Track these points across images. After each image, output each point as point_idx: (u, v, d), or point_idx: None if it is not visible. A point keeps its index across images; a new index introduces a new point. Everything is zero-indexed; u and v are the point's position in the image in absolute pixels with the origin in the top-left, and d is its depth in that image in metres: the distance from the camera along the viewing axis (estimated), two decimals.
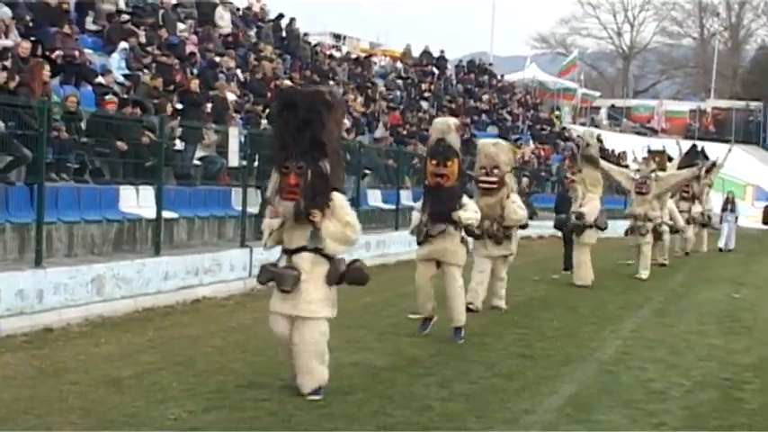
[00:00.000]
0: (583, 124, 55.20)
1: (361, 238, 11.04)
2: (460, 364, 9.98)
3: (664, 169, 22.83)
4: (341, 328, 11.81)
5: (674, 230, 23.65)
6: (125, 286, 12.48)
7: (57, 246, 13.29)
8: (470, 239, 12.94)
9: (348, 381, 8.92)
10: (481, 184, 13.70)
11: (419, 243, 11.70)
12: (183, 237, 16.08)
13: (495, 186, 13.57)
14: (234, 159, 17.18)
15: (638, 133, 53.37)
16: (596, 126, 55.45)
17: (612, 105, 63.09)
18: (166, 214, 14.91)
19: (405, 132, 30.13)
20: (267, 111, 20.83)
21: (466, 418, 7.81)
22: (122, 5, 22.27)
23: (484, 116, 41.96)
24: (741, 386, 9.59)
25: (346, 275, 8.48)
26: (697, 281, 20.34)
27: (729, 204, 31.81)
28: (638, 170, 20.98)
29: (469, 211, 11.46)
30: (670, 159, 25.81)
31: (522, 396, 8.70)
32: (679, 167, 25.00)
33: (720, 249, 29.99)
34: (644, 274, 19.94)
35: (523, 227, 14.73)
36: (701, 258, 26.56)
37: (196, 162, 17.80)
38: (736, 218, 32.03)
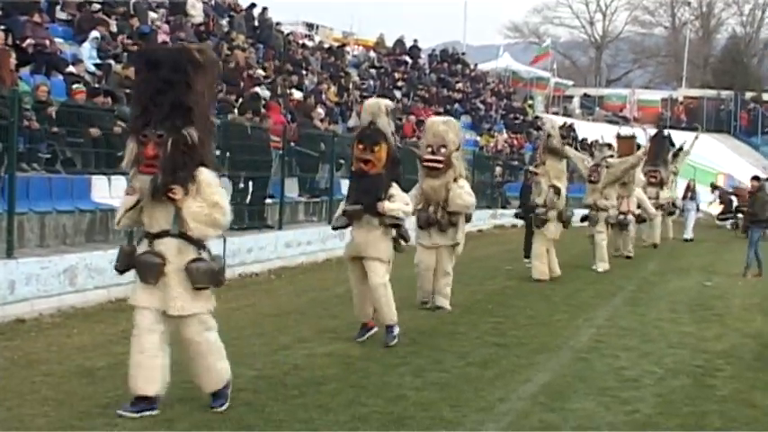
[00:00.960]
0: (555, 113, 55.38)
1: None
2: (434, 354, 9.99)
3: (632, 153, 22.24)
4: (314, 317, 11.91)
5: (641, 219, 22.99)
6: (98, 277, 12.40)
7: (28, 236, 13.20)
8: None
9: (322, 371, 8.93)
10: (426, 164, 12.69)
11: (334, 228, 11.04)
12: None
13: (440, 167, 12.54)
14: None
15: (611, 122, 53.49)
16: (569, 115, 55.68)
17: (585, 94, 63.28)
18: None
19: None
20: (240, 100, 20.83)
21: (440, 407, 7.82)
22: None
23: (457, 105, 42.03)
24: (713, 373, 9.65)
25: (191, 275, 7.31)
26: (669, 269, 20.42)
27: (690, 192, 30.95)
28: (592, 157, 20.42)
29: (398, 202, 10.32)
30: (639, 147, 25.54)
31: (496, 384, 8.72)
32: (648, 154, 24.69)
33: (686, 240, 29.19)
34: (600, 266, 19.21)
35: (467, 218, 13.36)
36: (671, 247, 26.60)
37: None
38: (697, 206, 31.23)
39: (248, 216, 17.79)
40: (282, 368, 8.96)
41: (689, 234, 29.66)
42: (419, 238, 13.09)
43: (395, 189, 10.38)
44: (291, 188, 20.30)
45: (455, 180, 12.72)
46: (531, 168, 18.31)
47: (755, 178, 20.82)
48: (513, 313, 13.07)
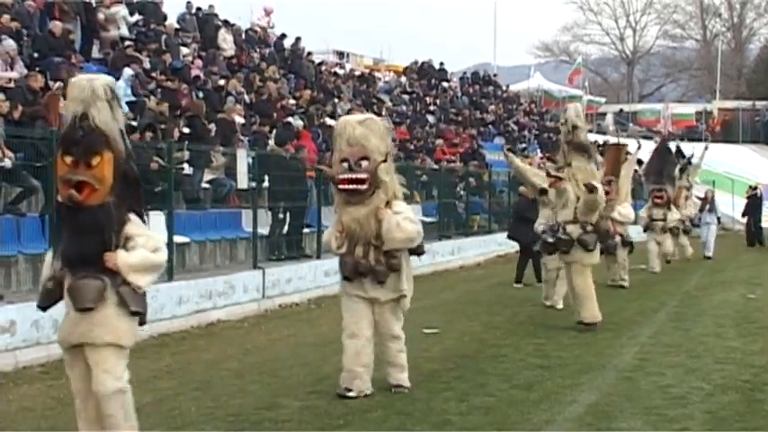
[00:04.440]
0: (590, 131, 55.16)
1: None
2: (478, 377, 9.94)
3: (618, 164, 17.58)
4: None
5: (625, 242, 18.78)
6: None
7: None
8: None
9: (366, 399, 8.89)
10: (342, 186, 8.91)
11: (42, 308, 6.92)
12: (195, 261, 16.11)
13: (363, 188, 8.80)
14: (243, 181, 17.22)
15: (645, 137, 53.31)
16: (603, 132, 55.46)
17: (621, 110, 63.15)
18: (178, 239, 14.92)
19: (412, 147, 30.18)
20: (273, 131, 20.96)
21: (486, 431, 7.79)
22: (125, 32, 22.38)
23: (490, 127, 42.00)
24: (761, 388, 9.52)
25: None
26: (711, 283, 20.24)
27: (709, 204, 28.07)
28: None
29: (140, 251, 6.48)
30: (640, 163, 24.11)
31: (541, 407, 8.65)
32: (649, 165, 23.70)
33: (706, 257, 26.68)
34: (549, 302, 15.88)
35: (417, 252, 9.58)
36: (713, 261, 26.24)
37: (205, 185, 17.84)
38: (718, 219, 28.63)
39: (286, 246, 17.90)
40: (327, 398, 8.94)
41: (709, 251, 27.21)
42: (347, 295, 9.25)
43: (134, 226, 6.64)
44: (328, 216, 20.33)
45: (388, 204, 8.99)
46: (551, 171, 13.70)
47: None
48: (555, 334, 12.97)
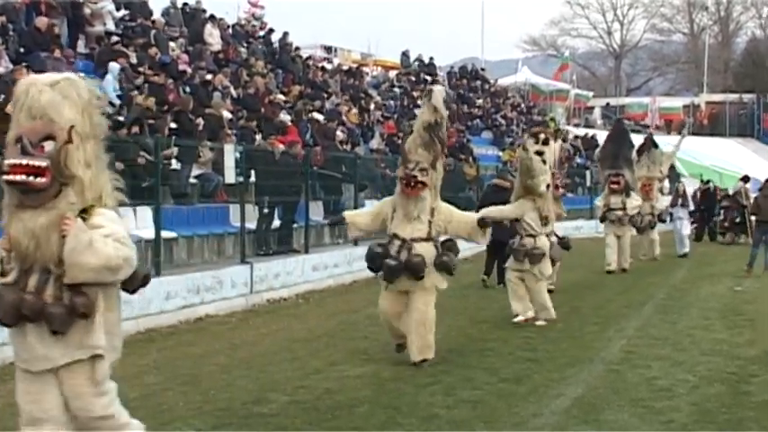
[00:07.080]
0: (577, 125, 55.26)
1: (360, 249, 10.71)
2: (465, 371, 9.96)
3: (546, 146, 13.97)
4: (345, 340, 11.91)
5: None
6: (126, 308, 12.35)
7: None
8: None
9: (354, 393, 8.91)
10: (9, 177, 5.41)
11: None
12: (182, 256, 16.09)
13: (40, 182, 5.41)
14: (231, 176, 17.20)
15: (633, 131, 53.41)
16: (590, 126, 55.54)
17: (608, 104, 63.25)
18: (165, 234, 14.89)
19: (400, 142, 30.15)
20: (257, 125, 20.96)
21: (474, 425, 7.79)
22: (111, 27, 22.32)
23: (478, 121, 42.00)
24: (748, 380, 9.57)
25: None
26: (698, 276, 20.29)
27: (681, 198, 25.89)
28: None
29: None
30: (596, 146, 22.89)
31: (528, 400, 8.68)
32: (602, 151, 22.79)
33: (680, 256, 24.79)
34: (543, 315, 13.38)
35: (130, 289, 6.40)
36: (700, 254, 26.17)
37: (192, 180, 17.82)
38: (690, 213, 27.01)
39: (274, 241, 17.93)
40: (315, 392, 8.96)
41: (684, 248, 25.21)
42: (17, 355, 5.78)
43: None
44: (316, 211, 20.35)
45: (87, 212, 5.58)
46: (419, 176, 10.11)
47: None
48: (543, 327, 12.99)
